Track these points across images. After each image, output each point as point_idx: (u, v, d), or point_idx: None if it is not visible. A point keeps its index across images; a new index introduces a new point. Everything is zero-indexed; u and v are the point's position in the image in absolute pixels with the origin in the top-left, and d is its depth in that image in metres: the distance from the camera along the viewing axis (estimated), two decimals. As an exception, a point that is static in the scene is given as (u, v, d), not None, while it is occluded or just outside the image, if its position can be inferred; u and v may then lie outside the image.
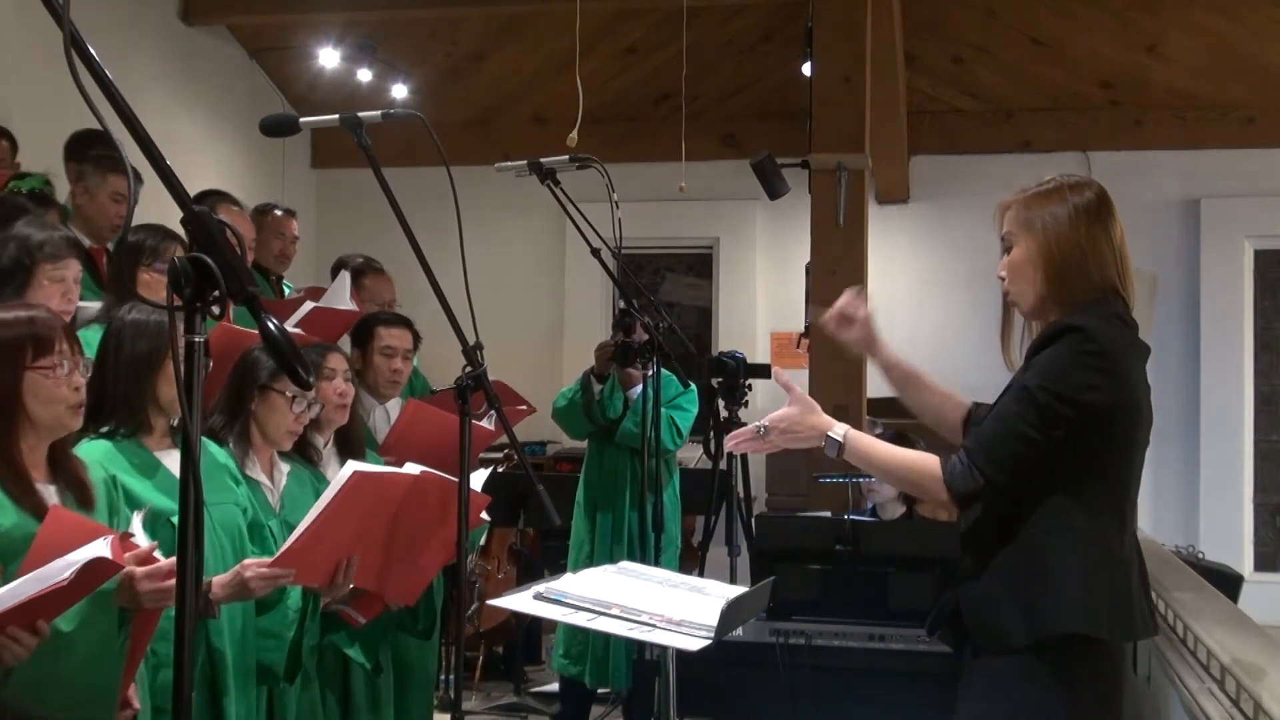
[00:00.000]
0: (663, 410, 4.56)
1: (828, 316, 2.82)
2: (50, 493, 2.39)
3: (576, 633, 5.20)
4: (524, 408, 4.94)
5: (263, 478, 3.18)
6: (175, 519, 2.66)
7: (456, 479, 2.86)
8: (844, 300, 2.81)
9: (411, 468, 2.88)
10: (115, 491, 2.59)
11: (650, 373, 4.12)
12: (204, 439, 2.18)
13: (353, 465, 2.72)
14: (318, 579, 2.85)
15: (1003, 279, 2.59)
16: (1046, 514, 2.41)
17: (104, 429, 2.75)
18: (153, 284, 3.46)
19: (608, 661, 5.22)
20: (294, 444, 3.28)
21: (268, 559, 2.75)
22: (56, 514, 2.26)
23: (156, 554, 2.32)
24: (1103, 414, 2.39)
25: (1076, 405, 2.36)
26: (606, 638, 5.06)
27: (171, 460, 2.80)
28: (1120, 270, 2.50)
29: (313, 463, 3.44)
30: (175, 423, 2.82)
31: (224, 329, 3.22)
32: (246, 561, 2.74)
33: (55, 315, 2.48)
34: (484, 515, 3.56)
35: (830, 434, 2.55)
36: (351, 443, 3.66)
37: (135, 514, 2.52)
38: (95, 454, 2.67)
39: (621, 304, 4.44)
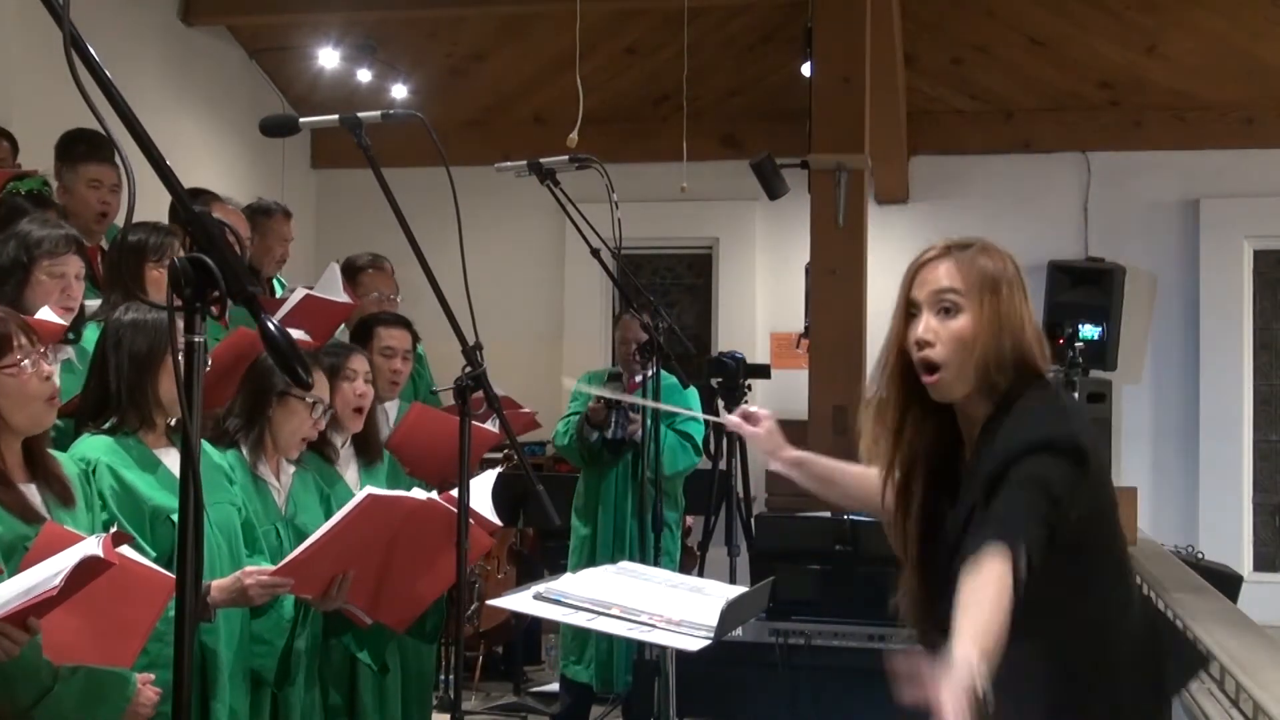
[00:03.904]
0: (670, 432, 4.52)
1: (730, 417, 2.59)
2: (31, 491, 2.38)
3: (581, 638, 5.19)
4: (526, 411, 4.94)
5: (271, 478, 3.20)
6: (175, 516, 2.70)
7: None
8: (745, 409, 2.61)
9: (419, 493, 2.89)
10: (89, 487, 2.59)
11: (650, 373, 4.11)
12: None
13: (369, 489, 2.75)
14: (312, 590, 2.87)
15: (926, 345, 2.03)
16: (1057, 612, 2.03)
17: (105, 425, 2.75)
18: (161, 280, 3.45)
19: (611, 666, 5.21)
20: (313, 443, 3.30)
21: (269, 567, 2.76)
22: (50, 530, 2.26)
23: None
24: (1091, 524, 2.06)
25: (1070, 524, 1.95)
26: (610, 642, 5.05)
27: (170, 458, 2.81)
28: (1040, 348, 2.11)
29: (330, 461, 3.48)
30: (173, 422, 2.83)
31: (243, 333, 3.18)
32: (247, 569, 2.75)
33: (6, 310, 2.46)
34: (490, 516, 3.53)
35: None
36: (369, 444, 3.68)
37: (107, 532, 2.52)
38: (97, 449, 2.68)
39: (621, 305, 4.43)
